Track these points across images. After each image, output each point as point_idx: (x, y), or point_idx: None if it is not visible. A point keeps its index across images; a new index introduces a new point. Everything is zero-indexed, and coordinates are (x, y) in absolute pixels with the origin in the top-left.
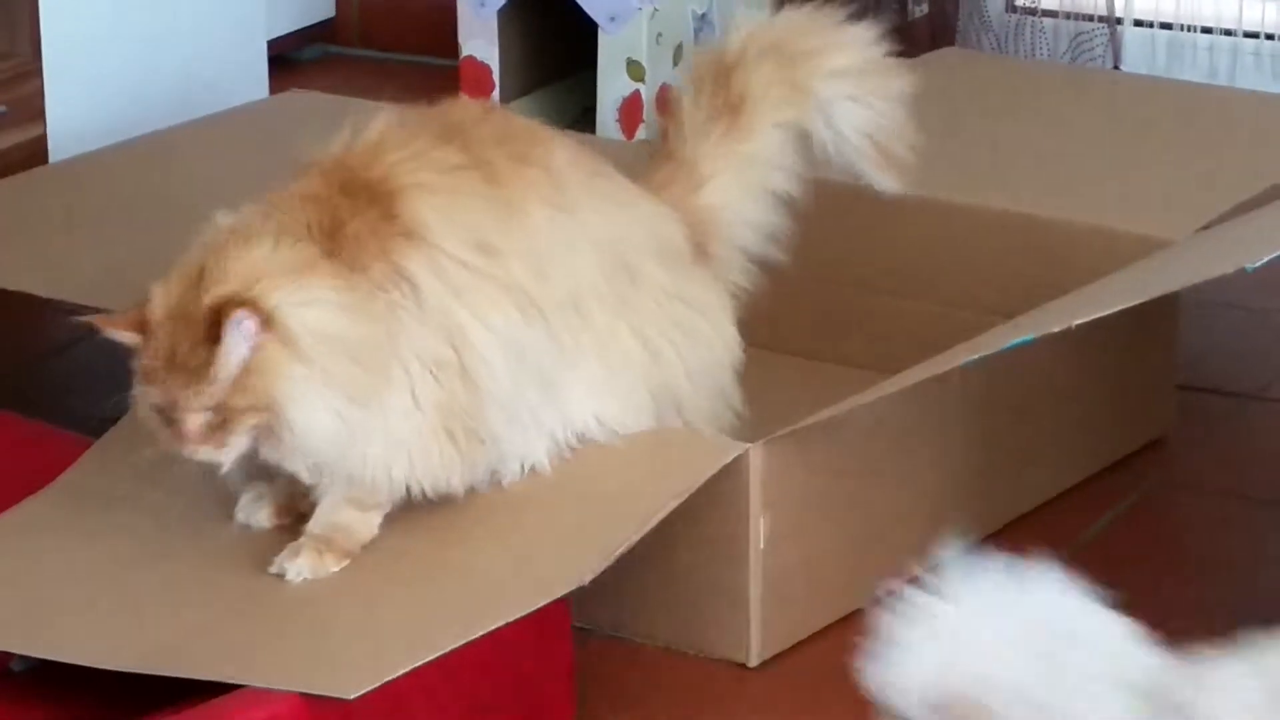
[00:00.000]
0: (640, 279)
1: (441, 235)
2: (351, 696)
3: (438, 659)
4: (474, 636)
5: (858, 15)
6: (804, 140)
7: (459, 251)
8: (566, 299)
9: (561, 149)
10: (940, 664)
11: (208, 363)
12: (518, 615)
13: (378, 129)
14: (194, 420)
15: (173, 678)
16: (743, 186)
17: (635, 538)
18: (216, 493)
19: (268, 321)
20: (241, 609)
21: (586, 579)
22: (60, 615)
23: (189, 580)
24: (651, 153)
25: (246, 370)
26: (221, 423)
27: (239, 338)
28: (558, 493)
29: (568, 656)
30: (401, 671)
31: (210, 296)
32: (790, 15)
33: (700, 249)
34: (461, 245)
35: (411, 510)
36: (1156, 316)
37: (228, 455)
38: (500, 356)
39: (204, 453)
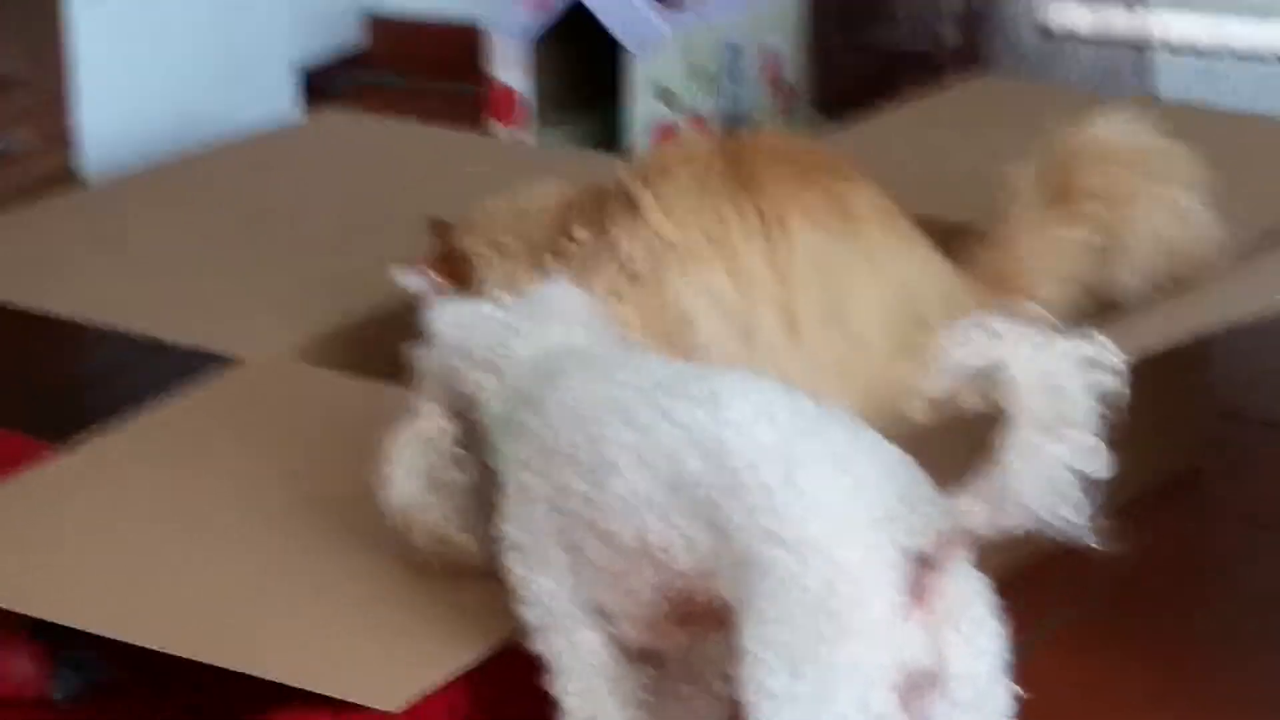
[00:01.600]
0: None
1: None
2: (394, 709)
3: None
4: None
5: (890, 42)
6: None
7: None
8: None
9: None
10: None
11: None
12: None
13: None
14: None
15: (213, 704)
16: (1059, 278)
17: None
18: (254, 477)
19: None
20: (282, 600)
21: None
22: (93, 586)
23: (228, 566)
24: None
25: None
26: None
27: None
28: None
29: None
30: (442, 680)
31: None
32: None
33: None
34: None
35: None
36: (1195, 343)
37: None
38: None
39: None
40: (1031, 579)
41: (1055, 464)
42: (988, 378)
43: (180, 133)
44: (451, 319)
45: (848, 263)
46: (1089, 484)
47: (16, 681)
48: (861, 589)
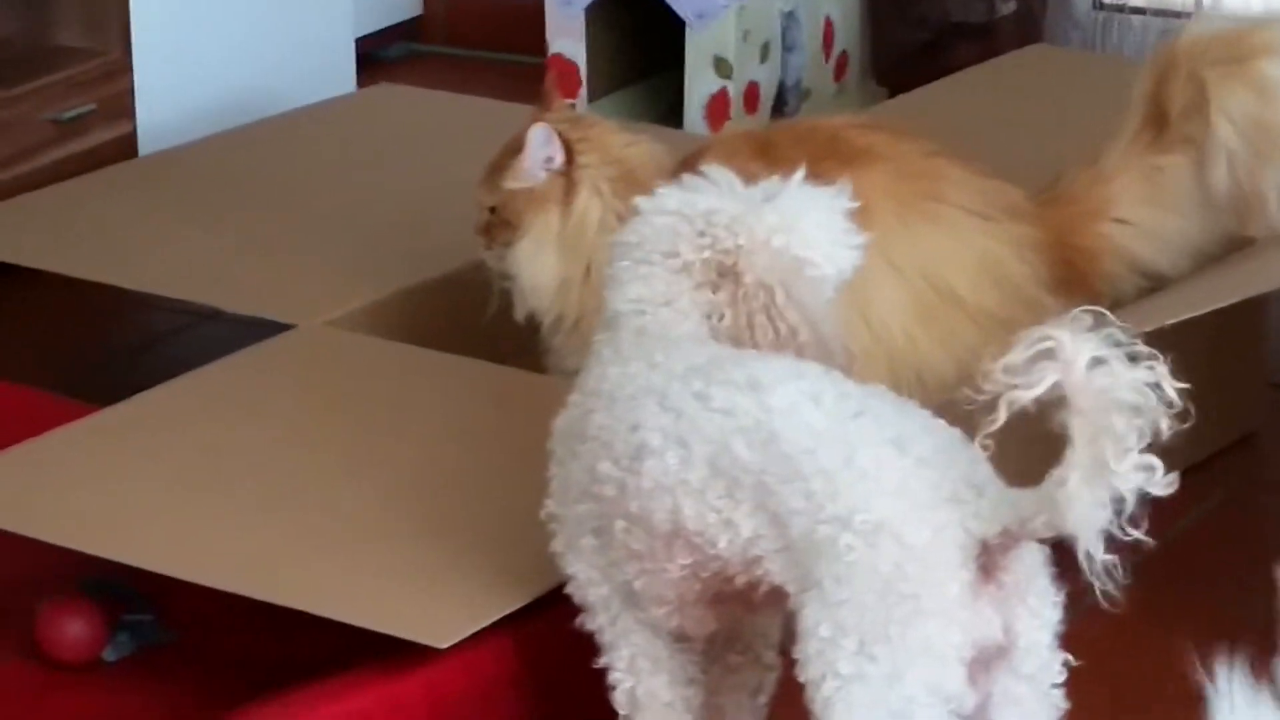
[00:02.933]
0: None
1: None
2: (444, 645)
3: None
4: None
5: (945, 12)
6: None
7: None
8: None
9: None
10: None
11: None
12: None
13: None
14: None
15: (261, 669)
16: (1153, 201)
17: None
18: (306, 433)
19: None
20: (335, 546)
21: None
22: (146, 525)
23: (279, 506)
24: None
25: None
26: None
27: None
28: None
29: None
30: (490, 620)
31: None
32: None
33: (1073, 279)
34: None
35: (509, 459)
36: (1248, 311)
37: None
38: None
39: None
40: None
41: (1108, 491)
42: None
43: (238, 103)
44: None
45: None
46: (1145, 504)
47: (71, 645)
48: (932, 570)
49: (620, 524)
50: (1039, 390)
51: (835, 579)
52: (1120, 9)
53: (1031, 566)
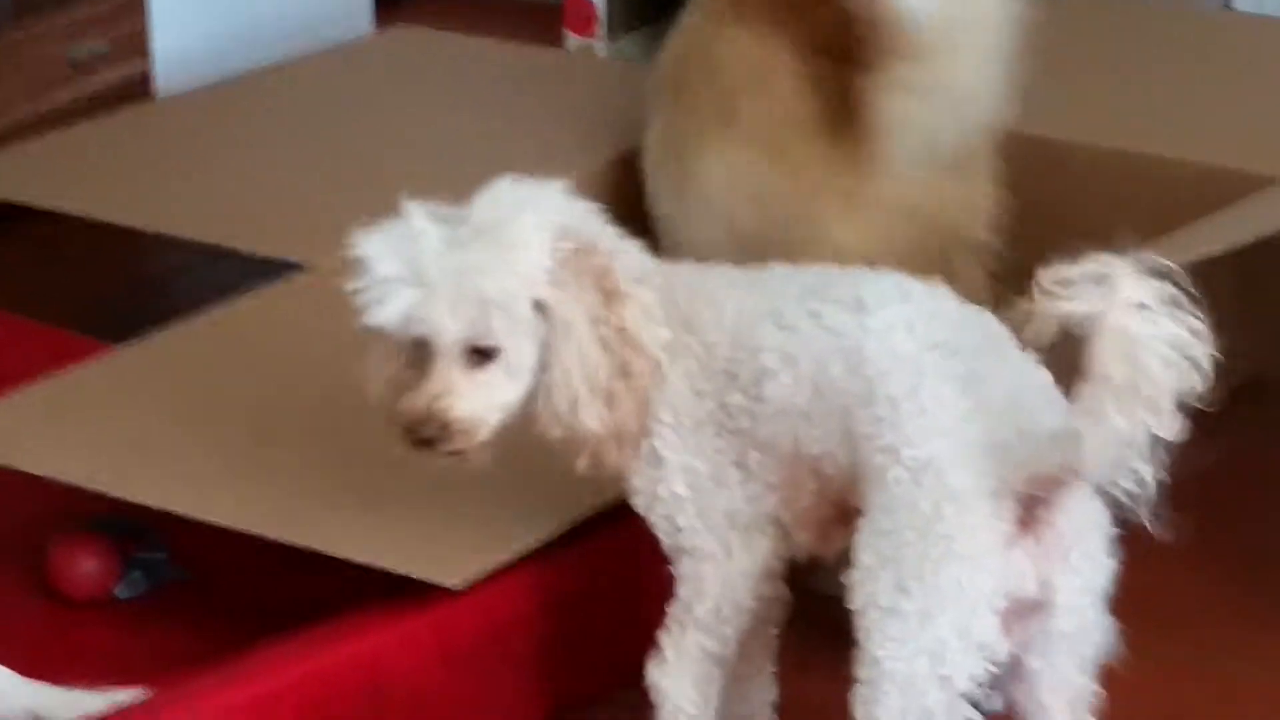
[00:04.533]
0: None
1: None
2: (457, 586)
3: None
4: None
5: None
6: None
7: None
8: None
9: None
10: None
11: None
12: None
13: None
14: None
15: (273, 608)
16: None
17: None
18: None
19: None
20: (348, 487)
21: None
22: (158, 464)
23: (291, 447)
24: None
25: None
26: None
27: None
28: None
29: None
30: (503, 561)
31: None
32: None
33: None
34: None
35: None
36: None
37: None
38: None
39: None
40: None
41: (1123, 435)
42: (1077, 326)
43: (253, 40)
44: None
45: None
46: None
47: (83, 581)
48: (969, 515)
49: (754, 454)
50: (1080, 309)
51: (883, 509)
52: None
53: (1080, 524)
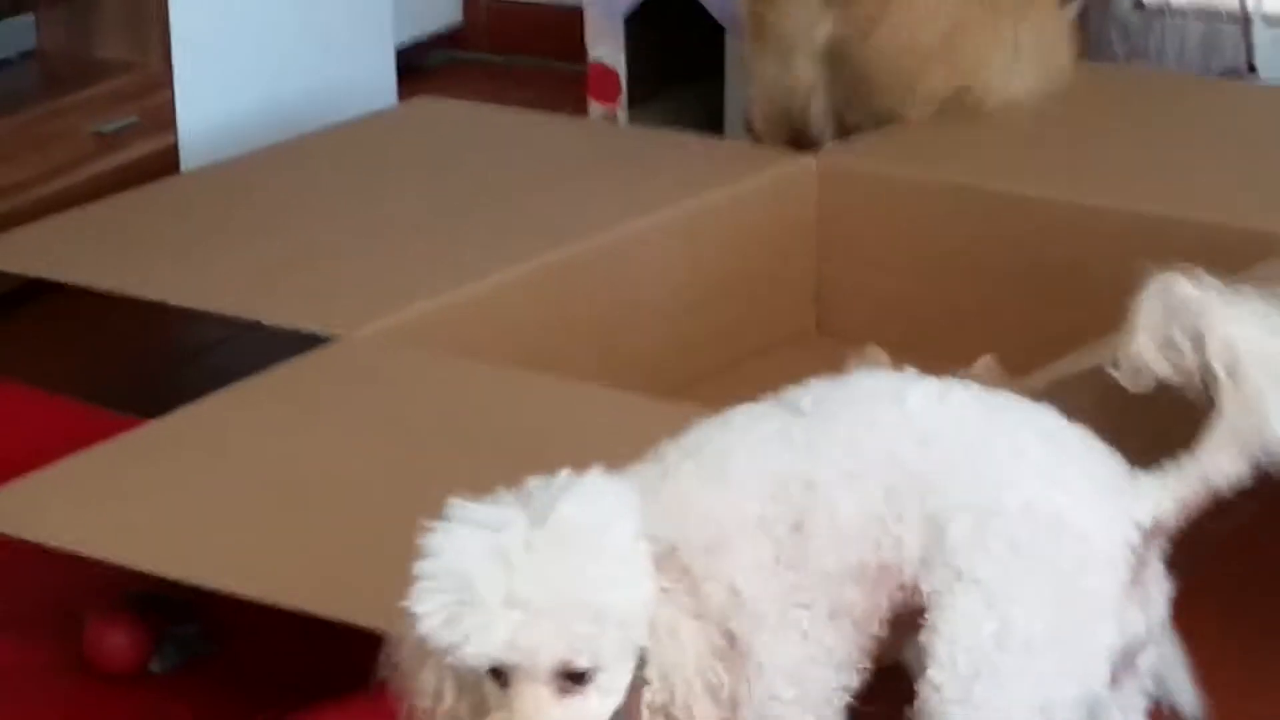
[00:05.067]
0: None
1: None
2: None
3: None
4: None
5: None
6: None
7: None
8: None
9: None
10: None
11: None
12: None
13: None
14: None
15: (305, 680)
16: None
17: None
18: (348, 446)
19: None
20: (376, 554)
21: None
22: (191, 538)
23: (324, 519)
24: None
25: None
26: None
27: None
28: None
29: None
30: None
31: None
32: None
33: None
34: None
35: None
36: None
37: None
38: None
39: None
40: None
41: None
42: (1189, 344)
43: (279, 114)
44: None
45: None
46: None
47: (116, 656)
48: (1101, 564)
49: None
50: (1191, 327)
51: (1003, 572)
52: (1162, 13)
53: (1157, 555)
